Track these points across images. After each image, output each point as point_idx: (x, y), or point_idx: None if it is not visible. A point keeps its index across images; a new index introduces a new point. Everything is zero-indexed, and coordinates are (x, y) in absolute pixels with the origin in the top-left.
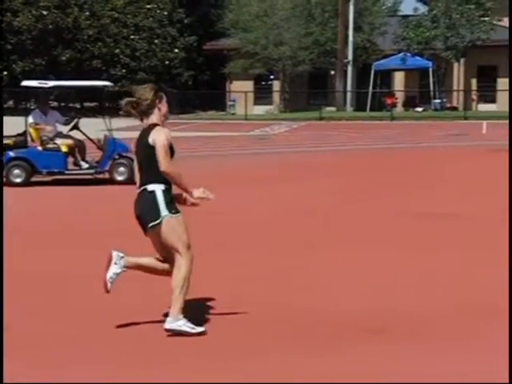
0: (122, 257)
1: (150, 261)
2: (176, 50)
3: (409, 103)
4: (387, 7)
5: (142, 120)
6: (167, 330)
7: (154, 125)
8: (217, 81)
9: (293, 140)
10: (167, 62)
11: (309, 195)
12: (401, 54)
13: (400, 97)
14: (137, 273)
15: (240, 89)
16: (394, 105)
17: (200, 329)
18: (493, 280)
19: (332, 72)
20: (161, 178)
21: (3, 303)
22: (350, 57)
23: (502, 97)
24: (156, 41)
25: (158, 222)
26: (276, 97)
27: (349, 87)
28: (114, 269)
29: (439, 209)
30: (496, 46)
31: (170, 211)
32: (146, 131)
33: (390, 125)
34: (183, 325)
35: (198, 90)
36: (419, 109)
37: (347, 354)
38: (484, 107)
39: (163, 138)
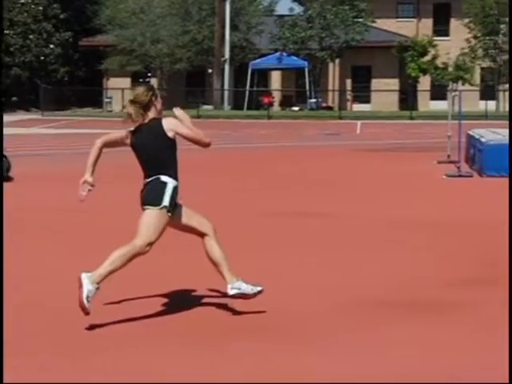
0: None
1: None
2: (51, 46)
3: (285, 102)
4: (263, 7)
5: (142, 119)
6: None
7: (155, 119)
8: (93, 77)
9: None
10: (42, 58)
11: None
12: (277, 54)
13: (277, 96)
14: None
15: (117, 86)
16: (270, 104)
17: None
18: (361, 276)
19: (209, 70)
20: (173, 171)
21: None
22: (227, 55)
23: (376, 97)
24: (31, 36)
25: (158, 207)
26: None
27: (226, 86)
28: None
29: (299, 208)
30: (370, 46)
31: (170, 206)
32: (152, 126)
33: (266, 123)
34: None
35: (75, 87)
36: (295, 108)
37: (223, 351)
38: (358, 107)
39: (176, 121)
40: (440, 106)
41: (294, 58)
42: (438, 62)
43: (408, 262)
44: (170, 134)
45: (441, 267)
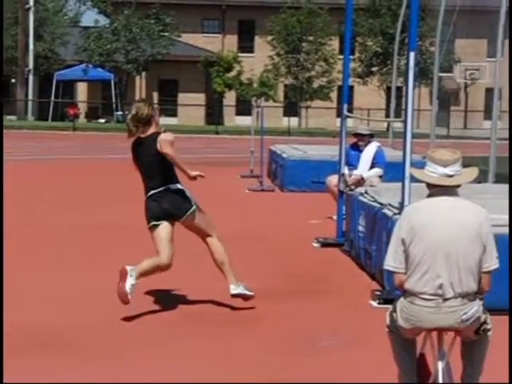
0: (133, 269)
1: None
2: None
3: (91, 114)
4: (69, 17)
5: (142, 132)
6: (235, 295)
7: (157, 133)
8: None
9: None
10: None
11: None
12: (82, 65)
13: (83, 107)
14: None
15: None
16: (76, 115)
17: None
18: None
19: (13, 80)
20: (177, 179)
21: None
22: (31, 65)
23: (183, 111)
24: None
25: (193, 209)
26: None
27: (30, 96)
28: (130, 280)
29: (114, 220)
30: (177, 60)
31: (195, 204)
32: (152, 139)
33: (71, 135)
34: (245, 289)
35: None
36: (102, 120)
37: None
38: (165, 120)
39: (169, 136)
40: (245, 121)
41: (100, 69)
42: (243, 78)
43: (212, 273)
44: (159, 147)
45: (245, 279)
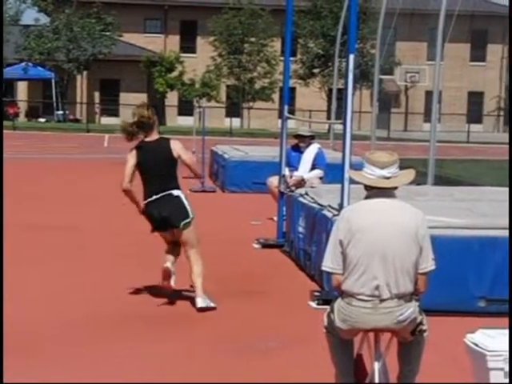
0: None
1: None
2: None
3: (32, 113)
4: (9, 15)
5: (145, 136)
6: (201, 309)
7: (165, 138)
8: None
9: None
10: None
11: None
12: (22, 64)
13: (23, 106)
14: None
15: None
16: (16, 114)
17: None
18: (98, 290)
19: None
20: (179, 185)
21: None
22: None
23: (125, 111)
24: None
25: (189, 220)
26: None
27: None
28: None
29: (51, 221)
30: (118, 60)
31: (193, 214)
32: (162, 145)
33: (11, 134)
34: (210, 301)
35: None
36: (42, 119)
37: None
38: (107, 120)
39: (180, 144)
40: (187, 121)
41: (40, 68)
42: (185, 79)
43: (142, 276)
44: (175, 154)
45: (186, 280)
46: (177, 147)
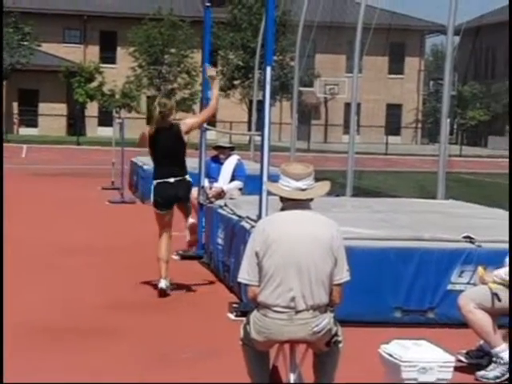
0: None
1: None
2: None
3: None
4: None
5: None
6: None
7: (174, 123)
8: None
9: None
10: None
11: None
12: None
13: None
14: None
15: None
16: None
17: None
18: (24, 302)
19: None
20: (187, 169)
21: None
22: None
23: (44, 121)
24: None
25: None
26: None
27: None
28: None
29: None
30: (37, 70)
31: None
32: (173, 129)
33: None
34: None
35: None
36: None
37: None
38: (25, 131)
39: (183, 122)
40: (107, 132)
41: None
42: (106, 89)
43: (72, 286)
44: (185, 137)
45: (103, 291)
46: (184, 127)
